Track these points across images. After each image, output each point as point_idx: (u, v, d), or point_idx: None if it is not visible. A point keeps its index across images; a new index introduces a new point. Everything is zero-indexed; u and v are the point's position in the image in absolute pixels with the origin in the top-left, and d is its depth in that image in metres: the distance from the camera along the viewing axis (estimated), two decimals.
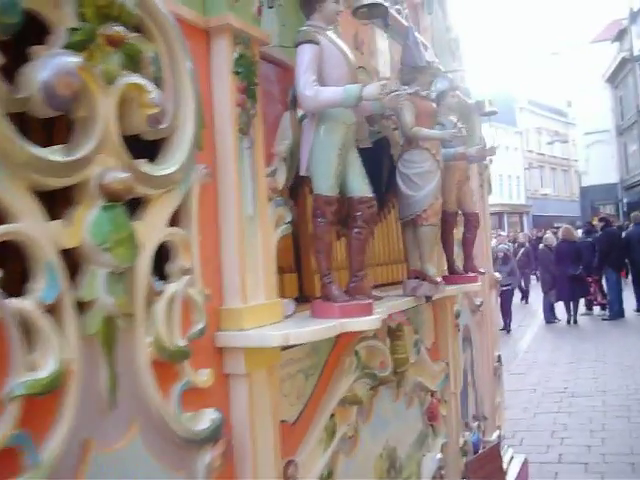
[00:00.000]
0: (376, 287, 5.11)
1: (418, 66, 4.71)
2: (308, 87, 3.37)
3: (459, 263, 5.98)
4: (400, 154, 4.79)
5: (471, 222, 5.98)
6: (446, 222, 5.73)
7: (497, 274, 8.31)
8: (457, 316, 6.53)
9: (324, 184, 3.51)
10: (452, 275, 5.84)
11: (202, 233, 3.07)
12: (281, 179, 3.61)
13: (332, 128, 3.49)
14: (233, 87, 3.24)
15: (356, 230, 3.63)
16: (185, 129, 2.93)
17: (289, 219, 3.64)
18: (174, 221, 2.95)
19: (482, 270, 6.14)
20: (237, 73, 3.25)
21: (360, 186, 3.62)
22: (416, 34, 4.81)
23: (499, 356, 8.16)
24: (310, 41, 3.43)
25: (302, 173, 3.55)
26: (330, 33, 3.60)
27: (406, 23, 5.23)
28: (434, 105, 4.81)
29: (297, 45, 3.46)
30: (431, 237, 4.74)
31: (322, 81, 3.47)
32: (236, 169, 3.23)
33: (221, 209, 3.24)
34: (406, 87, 3.79)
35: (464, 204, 5.97)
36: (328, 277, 3.58)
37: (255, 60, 3.38)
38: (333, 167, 3.48)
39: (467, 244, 6.02)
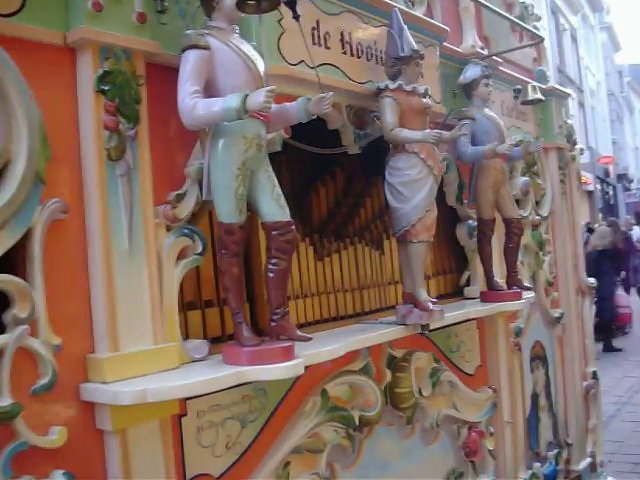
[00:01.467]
0: (383, 310, 4.56)
1: (400, 56, 4.08)
2: (186, 99, 2.93)
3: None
4: (386, 160, 4.18)
5: (512, 229, 5.19)
6: (482, 231, 5.04)
7: (591, 280, 7.23)
8: (517, 334, 5.72)
9: (223, 210, 3.06)
10: (490, 291, 5.10)
11: (56, 275, 2.77)
12: (188, 205, 3.20)
13: (228, 143, 3.02)
14: (98, 107, 2.88)
15: (272, 262, 3.13)
16: (16, 164, 2.63)
17: (199, 249, 3.23)
18: (11, 265, 2.68)
19: (528, 284, 5.30)
20: (103, 92, 2.89)
21: (272, 210, 3.12)
22: (400, 19, 4.16)
23: (594, 372, 7.12)
24: (194, 46, 2.99)
25: (204, 197, 3.12)
26: (232, 34, 3.12)
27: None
28: (424, 101, 4.14)
29: (182, 51, 3.03)
30: (422, 256, 4.09)
31: (216, 91, 3.01)
32: (101, 199, 2.88)
33: (90, 245, 2.90)
34: (331, 92, 3.20)
35: (503, 209, 5.20)
36: (238, 316, 3.13)
37: (135, 75, 3.00)
38: (232, 189, 3.02)
39: (509, 255, 5.24)
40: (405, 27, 4.13)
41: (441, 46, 5.09)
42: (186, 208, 3.20)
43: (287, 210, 3.15)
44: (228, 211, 3.05)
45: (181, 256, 3.20)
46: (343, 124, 4.18)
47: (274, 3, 3.06)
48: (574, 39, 39.98)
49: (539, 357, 6.20)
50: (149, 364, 2.95)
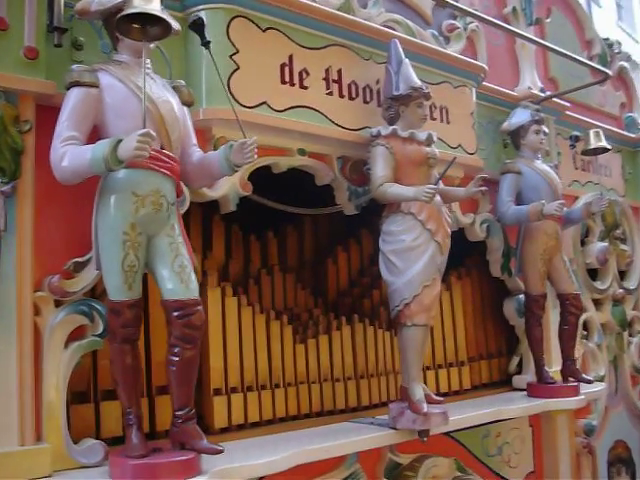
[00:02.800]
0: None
1: (395, 96, 3.36)
2: (57, 147, 2.37)
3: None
4: (380, 223, 3.43)
5: (568, 308, 4.24)
6: (530, 309, 4.15)
7: None
8: (588, 433, 4.67)
9: (110, 283, 2.46)
10: (539, 384, 4.13)
11: None
12: (89, 275, 2.62)
13: (115, 202, 2.43)
14: None
15: (173, 351, 2.48)
16: None
17: (99, 330, 2.63)
18: None
19: (589, 377, 4.26)
20: None
21: (172, 285, 2.47)
22: (400, 51, 3.44)
23: None
24: (77, 83, 2.44)
25: (95, 268, 2.52)
26: (135, 69, 2.54)
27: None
28: (426, 149, 3.37)
29: (66, 89, 2.49)
30: (418, 343, 3.27)
31: (107, 137, 2.43)
32: None
33: None
34: (254, 137, 2.51)
35: (557, 282, 4.27)
36: (128, 416, 2.49)
37: (17, 120, 2.49)
38: (118, 259, 2.42)
39: (564, 339, 4.28)
40: (405, 61, 3.41)
41: (483, 87, 4.32)
42: (84, 279, 2.61)
43: (193, 285, 2.49)
44: (114, 285, 2.44)
45: (75, 337, 2.60)
46: (333, 179, 3.48)
47: (163, 30, 2.44)
48: None
49: (621, 460, 5.08)
50: (11, 469, 2.38)
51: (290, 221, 4.13)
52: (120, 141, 2.27)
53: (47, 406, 2.50)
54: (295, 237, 4.22)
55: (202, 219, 3.66)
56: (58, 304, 2.59)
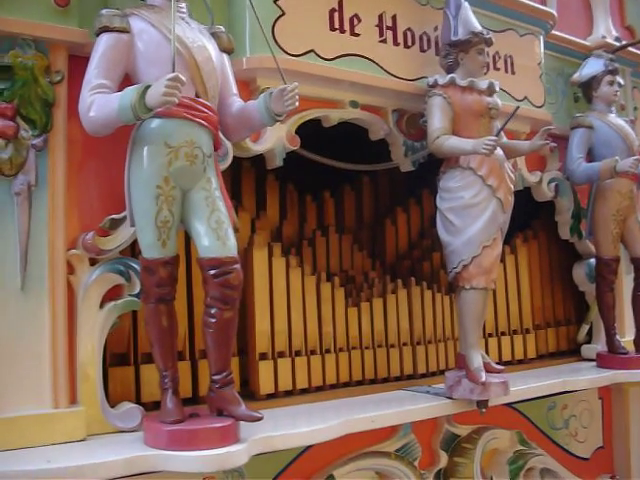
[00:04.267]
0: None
1: (454, 41, 3.11)
2: (85, 96, 2.24)
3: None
4: (437, 179, 3.21)
5: None
6: (601, 274, 3.88)
7: None
8: None
9: (142, 240, 2.34)
10: (610, 354, 3.87)
11: None
12: (125, 233, 2.51)
13: (148, 154, 2.29)
14: None
15: (210, 312, 2.34)
16: None
17: (136, 290, 2.52)
18: None
19: None
20: None
21: (208, 242, 2.32)
22: None
23: None
24: (106, 28, 2.30)
25: (130, 224, 2.39)
26: (164, 12, 2.37)
27: None
28: (488, 99, 3.12)
29: (95, 35, 2.35)
30: (477, 308, 3.06)
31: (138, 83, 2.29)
32: None
33: None
34: (295, 83, 2.31)
35: (631, 245, 3.97)
36: (165, 380, 2.38)
37: (49, 70, 2.39)
38: (151, 214, 2.29)
39: (639, 306, 3.94)
40: (465, 4, 3.16)
41: (552, 36, 4.01)
42: (120, 237, 2.50)
43: (231, 242, 2.33)
44: (147, 242, 2.32)
45: (112, 297, 2.49)
46: (388, 133, 3.27)
47: None
48: None
49: None
50: (44, 433, 2.30)
51: (348, 181, 3.94)
52: (149, 87, 2.12)
53: (81, 368, 2.42)
54: (353, 198, 4.03)
55: (256, 177, 3.51)
56: (93, 262, 2.48)
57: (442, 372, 3.42)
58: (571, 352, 4.30)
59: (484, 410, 3.07)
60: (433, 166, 3.29)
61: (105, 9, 2.37)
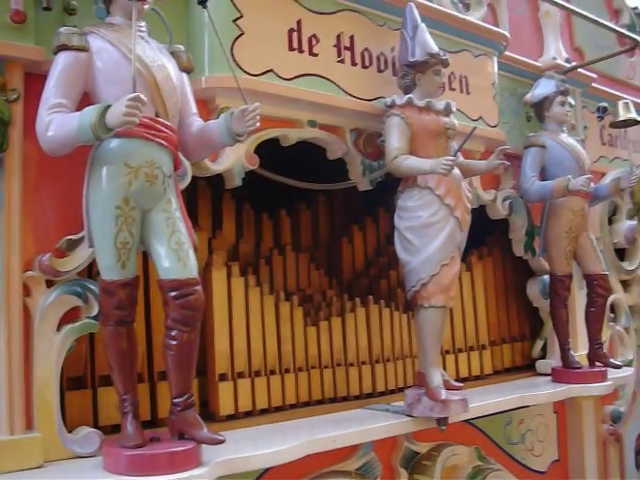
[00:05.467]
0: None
1: (411, 62, 3.15)
2: (43, 115, 2.21)
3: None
4: (395, 198, 3.23)
5: (595, 289, 4.02)
6: (555, 290, 3.95)
7: None
8: (615, 420, 4.46)
9: (102, 262, 2.30)
10: (564, 369, 3.94)
11: None
12: (83, 254, 2.46)
13: (107, 174, 2.26)
14: None
15: (170, 334, 2.31)
16: None
17: (94, 312, 2.47)
18: None
19: (617, 362, 4.05)
20: None
21: (170, 264, 2.30)
22: (416, 15, 3.23)
23: None
24: (64, 47, 2.27)
25: (88, 245, 2.35)
26: (123, 31, 2.35)
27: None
28: (444, 120, 3.16)
29: (53, 54, 2.31)
30: (436, 326, 3.08)
31: (98, 103, 2.25)
32: None
33: None
34: (257, 103, 2.29)
35: (584, 262, 4.07)
36: (125, 403, 2.34)
37: (4, 88, 2.33)
38: (110, 235, 2.25)
39: (592, 321, 4.06)
40: (422, 26, 3.20)
41: (505, 57, 4.09)
42: (78, 258, 2.45)
43: (191, 263, 2.31)
44: (106, 264, 2.28)
45: (69, 319, 2.44)
46: (346, 153, 3.29)
47: None
48: None
49: None
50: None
51: (304, 199, 3.95)
52: (109, 107, 2.09)
53: (38, 393, 2.36)
54: (309, 216, 4.03)
55: (212, 197, 3.49)
56: (50, 284, 2.44)
57: (401, 390, 3.44)
58: (526, 367, 4.37)
59: (444, 427, 3.09)
60: (389, 184, 3.32)
61: (63, 27, 2.34)
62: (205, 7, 2.41)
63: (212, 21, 2.45)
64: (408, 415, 3.10)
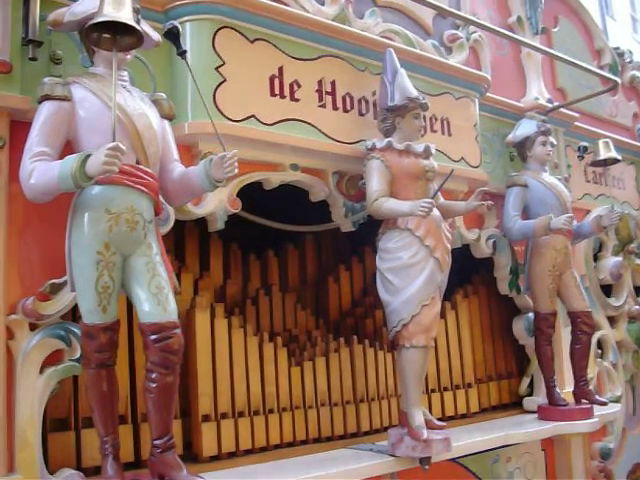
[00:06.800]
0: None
1: (390, 107, 3.23)
2: (26, 163, 2.27)
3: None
4: (377, 240, 3.29)
5: (579, 326, 4.05)
6: (539, 328, 3.99)
7: None
8: (604, 456, 4.45)
9: (83, 306, 2.34)
10: (550, 407, 3.95)
11: None
12: (66, 298, 2.51)
13: (88, 220, 2.32)
14: None
15: (150, 376, 2.35)
16: None
17: (77, 354, 2.51)
18: None
19: (603, 399, 4.06)
20: None
21: (150, 307, 2.34)
22: (395, 60, 3.31)
23: None
24: (48, 97, 2.33)
25: (70, 290, 2.40)
26: (105, 81, 2.42)
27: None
28: (424, 162, 3.23)
29: (38, 103, 2.38)
30: (417, 366, 3.11)
31: (80, 152, 2.30)
32: None
33: None
34: (234, 150, 2.38)
35: (568, 299, 4.10)
36: (105, 445, 2.37)
37: None
38: (91, 280, 2.30)
39: (577, 358, 4.08)
40: (401, 71, 3.28)
41: (488, 99, 4.18)
42: (61, 302, 2.50)
43: (171, 307, 2.35)
44: (88, 308, 2.33)
45: (52, 362, 2.48)
46: (329, 195, 3.35)
47: (136, 40, 2.33)
48: None
49: None
50: None
51: (291, 240, 4.00)
52: (89, 156, 2.15)
53: (20, 435, 2.38)
54: (296, 256, 4.09)
55: (200, 237, 3.54)
56: (33, 327, 2.47)
57: (386, 429, 3.43)
58: (513, 405, 4.38)
59: (427, 467, 3.10)
60: (375, 224, 3.37)
61: (48, 77, 2.41)
62: (184, 58, 2.49)
63: (191, 71, 2.52)
64: (391, 455, 3.11)
